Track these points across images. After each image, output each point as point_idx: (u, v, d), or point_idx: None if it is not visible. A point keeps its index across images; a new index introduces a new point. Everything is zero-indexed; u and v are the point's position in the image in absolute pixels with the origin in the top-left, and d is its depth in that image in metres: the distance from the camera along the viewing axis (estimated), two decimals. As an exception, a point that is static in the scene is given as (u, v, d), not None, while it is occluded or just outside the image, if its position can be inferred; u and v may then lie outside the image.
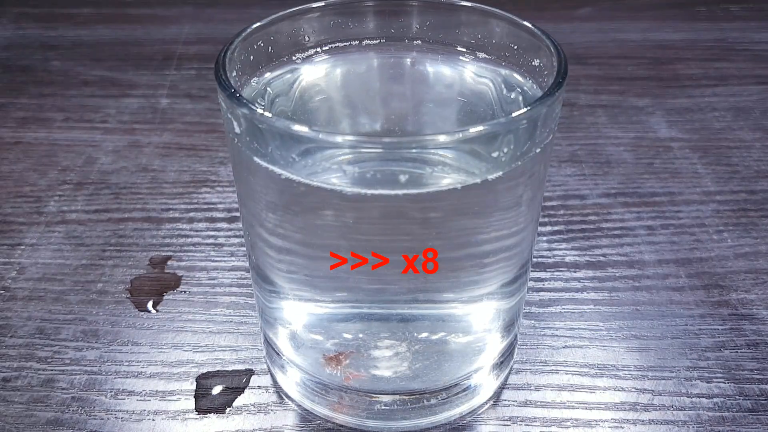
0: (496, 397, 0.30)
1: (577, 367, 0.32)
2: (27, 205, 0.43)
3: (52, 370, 0.32)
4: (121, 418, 0.30)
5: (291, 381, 0.30)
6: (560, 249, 0.39)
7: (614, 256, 0.39)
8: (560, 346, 0.33)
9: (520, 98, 0.27)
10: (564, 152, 0.48)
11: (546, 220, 0.41)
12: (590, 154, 0.48)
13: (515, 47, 0.28)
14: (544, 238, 0.40)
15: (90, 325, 0.34)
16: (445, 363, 0.28)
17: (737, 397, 0.30)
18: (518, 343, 0.33)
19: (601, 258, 0.39)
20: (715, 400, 0.30)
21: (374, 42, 0.30)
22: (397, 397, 0.28)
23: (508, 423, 0.30)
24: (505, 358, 0.30)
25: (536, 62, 0.27)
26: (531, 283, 0.37)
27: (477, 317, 0.28)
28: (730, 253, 0.39)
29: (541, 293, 0.36)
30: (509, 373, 0.31)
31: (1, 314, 0.35)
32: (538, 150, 0.24)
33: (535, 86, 0.27)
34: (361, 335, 0.27)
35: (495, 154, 0.22)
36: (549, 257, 0.39)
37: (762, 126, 0.51)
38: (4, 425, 0.29)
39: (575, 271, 0.38)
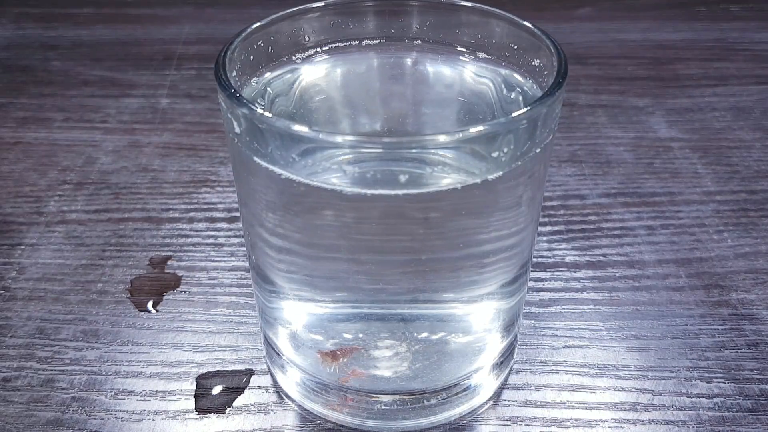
0: (496, 397, 0.30)
1: (577, 367, 0.32)
2: (27, 205, 0.43)
3: (52, 370, 0.32)
4: (121, 418, 0.30)
5: (291, 381, 0.30)
6: (560, 249, 0.39)
7: (614, 256, 0.39)
8: (560, 346, 0.33)
9: (520, 98, 0.27)
10: (564, 152, 0.48)
11: (546, 220, 0.41)
12: (590, 154, 0.48)
13: (515, 47, 0.28)
14: (544, 238, 0.40)
15: (90, 325, 0.34)
16: (445, 363, 0.28)
17: (737, 397, 0.30)
18: (518, 343, 0.33)
19: (601, 258, 0.39)
20: (715, 400, 0.30)
21: (374, 42, 0.30)
22: (397, 397, 0.28)
23: (508, 423, 0.30)
24: (505, 358, 0.30)
25: (536, 62, 0.27)
26: (531, 283, 0.37)
27: (477, 317, 0.28)
28: (730, 253, 0.39)
29: (541, 293, 0.36)
30: (509, 373, 0.31)
31: (1, 314, 0.35)
32: (538, 150, 0.24)
33: (535, 86, 0.27)
34: (361, 335, 0.27)
35: (495, 154, 0.22)
36: (549, 257, 0.39)
37: (762, 126, 0.51)
38: (4, 425, 0.29)
39: (575, 271, 0.38)
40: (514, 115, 0.22)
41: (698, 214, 0.42)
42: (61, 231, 0.41)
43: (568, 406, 0.30)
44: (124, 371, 0.32)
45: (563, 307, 0.35)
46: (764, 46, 0.64)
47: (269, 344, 0.30)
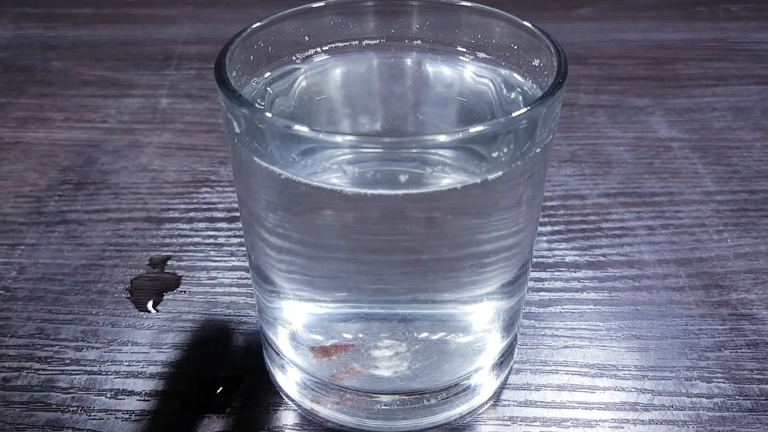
0: (496, 397, 0.30)
1: (577, 367, 0.32)
2: (27, 205, 0.43)
3: (52, 370, 0.32)
4: (121, 418, 0.30)
5: (291, 381, 0.30)
6: (560, 249, 0.39)
7: (614, 256, 0.39)
8: (560, 346, 0.33)
9: (520, 98, 0.27)
10: (564, 152, 0.48)
11: (546, 220, 0.41)
12: (590, 154, 0.48)
13: (515, 47, 0.28)
14: (544, 238, 0.40)
15: (90, 325, 0.34)
16: (445, 363, 0.28)
17: (737, 397, 0.30)
18: (518, 343, 0.33)
19: (601, 258, 0.39)
20: (715, 400, 0.30)
21: (374, 42, 0.30)
22: (397, 397, 0.28)
23: (508, 423, 0.30)
24: (505, 358, 0.30)
25: (536, 62, 0.27)
26: (531, 283, 0.37)
27: (477, 317, 0.28)
28: (730, 253, 0.39)
29: (541, 293, 0.36)
30: (509, 373, 0.31)
31: (1, 314, 0.35)
32: (538, 150, 0.24)
33: (535, 86, 0.27)
34: (361, 335, 0.27)
35: (495, 154, 0.22)
36: (549, 257, 0.39)
37: (762, 126, 0.51)
38: (4, 425, 0.29)
39: (575, 271, 0.38)
40: (514, 115, 0.22)
41: (698, 214, 0.42)
42: (61, 231, 0.41)
43: (568, 406, 0.30)
44: (124, 371, 0.32)
45: (563, 307, 0.35)
46: (764, 46, 0.64)
47: (269, 344, 0.30)
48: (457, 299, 0.27)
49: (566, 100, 0.54)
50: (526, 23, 0.27)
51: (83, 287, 0.37)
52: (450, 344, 0.28)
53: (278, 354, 0.30)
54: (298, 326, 0.28)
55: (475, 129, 0.21)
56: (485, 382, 0.30)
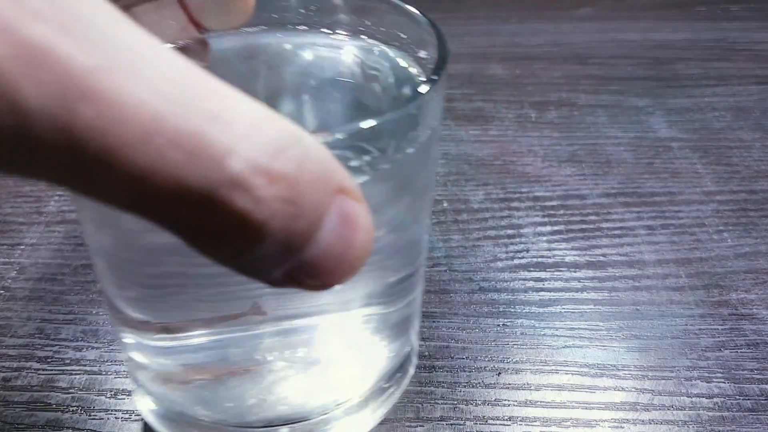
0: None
1: (577, 367, 0.32)
2: (27, 205, 0.43)
3: (52, 370, 0.32)
4: (121, 418, 0.30)
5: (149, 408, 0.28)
6: (560, 249, 0.39)
7: (614, 256, 0.39)
8: (560, 346, 0.33)
9: (408, 91, 0.25)
10: (564, 152, 0.48)
11: (546, 220, 0.41)
12: (590, 154, 0.48)
13: (404, 36, 0.25)
14: (544, 238, 0.40)
15: (90, 325, 0.34)
16: (309, 390, 0.25)
17: (737, 397, 0.30)
18: (518, 343, 0.33)
19: (601, 258, 0.39)
20: (715, 400, 0.30)
21: (253, 29, 0.27)
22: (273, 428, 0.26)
23: (508, 423, 0.30)
24: (392, 382, 0.28)
25: (422, 54, 0.24)
26: (531, 283, 0.37)
27: (348, 327, 0.25)
28: (730, 253, 0.39)
29: (541, 293, 0.36)
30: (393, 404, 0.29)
31: (1, 314, 0.35)
32: (411, 150, 0.21)
33: (424, 78, 0.24)
34: (221, 363, 0.24)
35: (356, 163, 0.20)
36: (549, 257, 0.39)
37: (762, 126, 0.51)
38: (4, 425, 0.29)
39: (575, 271, 0.38)
40: (386, 114, 0.19)
41: (698, 214, 0.42)
42: (61, 231, 0.41)
43: (568, 406, 0.30)
44: (124, 371, 0.32)
45: (563, 307, 0.35)
46: (764, 46, 0.64)
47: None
48: (324, 306, 0.23)
49: (566, 99, 0.54)
50: (413, 10, 0.24)
51: (83, 287, 0.37)
52: (320, 364, 0.25)
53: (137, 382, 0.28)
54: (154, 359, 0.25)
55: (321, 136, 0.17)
56: (358, 413, 0.27)
